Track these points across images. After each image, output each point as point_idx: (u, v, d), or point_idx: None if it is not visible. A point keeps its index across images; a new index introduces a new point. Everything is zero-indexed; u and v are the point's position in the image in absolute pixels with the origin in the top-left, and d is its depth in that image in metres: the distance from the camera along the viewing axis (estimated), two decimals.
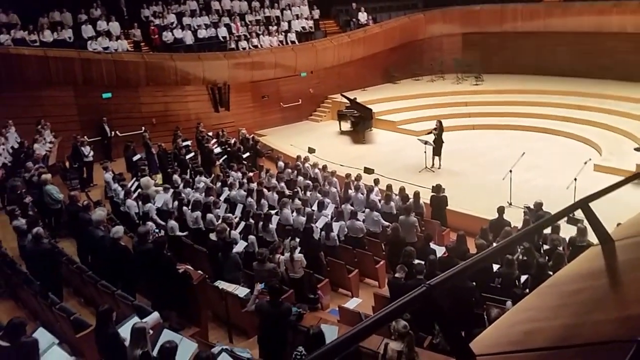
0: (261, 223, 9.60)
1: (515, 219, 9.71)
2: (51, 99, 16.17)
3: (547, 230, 8.58)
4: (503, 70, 22.20)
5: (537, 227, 3.22)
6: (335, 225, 9.84)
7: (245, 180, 12.54)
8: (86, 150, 14.15)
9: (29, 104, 15.64)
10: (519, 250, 8.26)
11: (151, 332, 5.34)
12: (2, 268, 8.04)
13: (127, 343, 5.20)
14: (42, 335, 5.32)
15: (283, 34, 21.36)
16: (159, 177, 13.54)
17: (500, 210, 9.51)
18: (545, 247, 8.47)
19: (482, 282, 7.25)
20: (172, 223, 9.65)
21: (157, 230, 9.34)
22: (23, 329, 4.94)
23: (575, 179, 10.72)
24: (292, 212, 10.38)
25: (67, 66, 16.28)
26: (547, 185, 12.33)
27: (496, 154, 15.12)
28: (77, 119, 16.62)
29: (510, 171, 11.67)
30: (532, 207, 9.76)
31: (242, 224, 9.85)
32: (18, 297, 7.86)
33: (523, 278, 7.38)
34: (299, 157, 14.41)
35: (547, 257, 7.88)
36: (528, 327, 1.30)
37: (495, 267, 7.68)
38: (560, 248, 8.10)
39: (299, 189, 12.23)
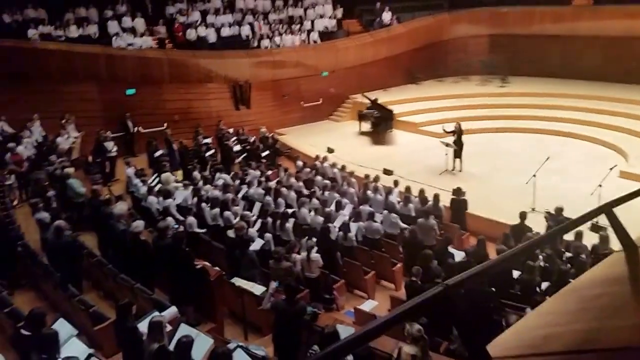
0: (278, 222, 9.60)
1: (538, 224, 9.54)
2: (76, 94, 16.40)
3: (570, 238, 8.44)
4: (529, 73, 21.88)
5: (558, 232, 3.15)
6: (353, 226, 9.79)
7: (263, 179, 12.57)
8: (110, 145, 14.34)
9: (54, 99, 15.88)
10: (540, 257, 8.13)
11: (169, 326, 5.38)
12: (24, 260, 8.19)
13: (145, 337, 5.25)
14: (62, 326, 5.40)
15: (305, 33, 21.37)
16: (179, 174, 13.66)
17: (522, 215, 9.35)
18: (568, 254, 8.32)
19: (502, 288, 7.15)
20: (191, 219, 9.72)
21: (176, 226, 9.41)
22: (43, 319, 5.03)
23: (600, 185, 10.52)
24: (310, 211, 10.36)
25: (91, 62, 16.51)
26: (571, 190, 12.08)
27: (520, 157, 14.89)
28: (101, 114, 16.83)
29: (534, 175, 11.48)
30: (552, 212, 9.59)
31: (259, 222, 9.87)
32: (39, 288, 7.99)
33: (544, 285, 7.26)
34: (317, 156, 14.39)
35: (569, 265, 7.74)
36: (547, 331, 1.29)
37: (516, 273, 7.57)
38: (583, 256, 7.94)
39: (316, 188, 12.22)
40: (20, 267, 8.41)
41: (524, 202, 11.12)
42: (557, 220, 9.11)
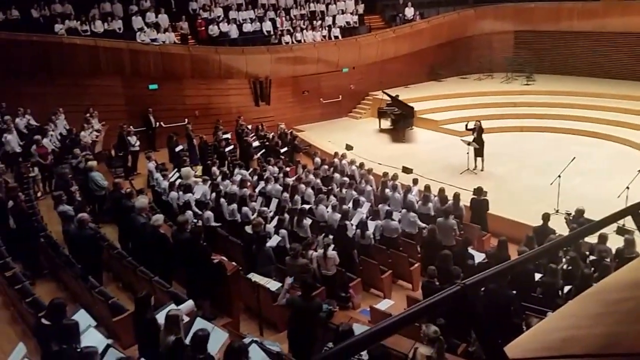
0: (296, 218, 9.59)
1: (562, 227, 9.36)
2: (100, 88, 16.64)
3: (594, 241, 8.26)
4: (556, 70, 21.54)
5: (581, 234, 3.06)
6: (371, 224, 9.73)
7: (281, 175, 12.57)
8: (132, 139, 14.52)
9: (79, 93, 16.17)
10: (563, 259, 7.98)
11: (185, 319, 5.41)
12: (47, 251, 8.33)
13: (161, 330, 5.29)
14: (82, 317, 5.46)
15: (327, 28, 21.31)
16: (199, 169, 13.76)
17: (545, 217, 9.15)
18: (592, 257, 8.14)
19: (523, 291, 7.03)
20: (208, 213, 9.77)
21: (195, 220, 9.48)
22: (63, 310, 5.09)
23: (628, 187, 10.26)
24: (327, 208, 10.33)
25: (116, 56, 16.72)
26: (597, 192, 11.82)
27: (544, 157, 14.64)
28: (124, 108, 17.06)
29: (559, 176, 11.24)
30: (573, 213, 9.40)
31: (276, 218, 9.88)
32: (60, 279, 8.12)
33: (566, 289, 7.11)
34: (336, 153, 14.34)
35: (592, 268, 7.57)
36: (567, 333, 1.26)
37: (538, 276, 7.43)
38: (607, 259, 7.76)
39: (334, 185, 12.18)
40: (42, 257, 8.56)
41: (547, 203, 10.92)
42: (579, 223, 8.93)
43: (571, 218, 9.44)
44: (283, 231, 9.05)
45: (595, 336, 1.17)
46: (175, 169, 12.95)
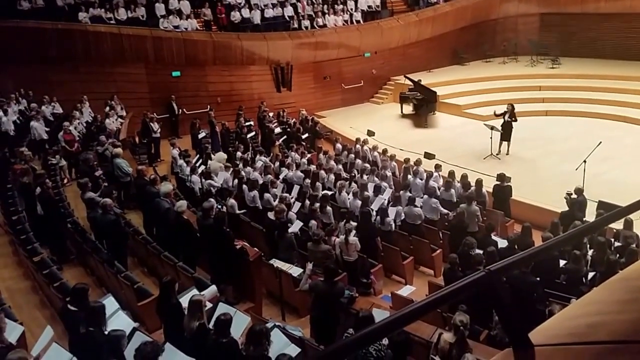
0: (318, 204, 9.61)
1: (588, 212, 9.20)
2: (124, 75, 16.82)
3: (620, 227, 8.12)
4: (582, 53, 21.00)
5: (606, 219, 3.01)
6: (392, 210, 9.70)
7: (305, 161, 12.57)
8: (155, 126, 14.66)
9: (103, 80, 16.37)
10: (588, 246, 7.86)
11: (208, 305, 5.50)
12: (73, 236, 8.52)
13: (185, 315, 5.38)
14: (110, 303, 5.58)
15: (348, 13, 21.09)
16: (216, 156, 13.83)
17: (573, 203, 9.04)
18: (617, 244, 8.00)
19: (547, 278, 6.96)
20: (231, 201, 9.84)
21: (219, 207, 9.55)
22: (85, 294, 5.20)
23: None
24: (349, 195, 10.33)
25: (139, 44, 16.84)
26: (624, 177, 11.58)
27: (570, 142, 14.40)
28: (148, 95, 17.23)
29: (585, 161, 11.01)
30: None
31: (298, 204, 9.91)
32: (87, 264, 8.31)
33: (591, 275, 7.02)
34: (357, 139, 14.28)
35: (618, 255, 7.44)
36: (592, 320, 1.24)
37: (562, 262, 7.35)
38: (634, 245, 7.61)
39: (355, 172, 12.14)
40: (69, 243, 8.76)
41: (573, 189, 10.71)
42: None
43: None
44: (313, 222, 8.98)
45: (621, 322, 1.16)
46: (198, 156, 13.08)
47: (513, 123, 13.92)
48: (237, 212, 9.84)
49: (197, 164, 11.91)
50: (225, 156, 12.68)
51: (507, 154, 14.07)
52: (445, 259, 8.67)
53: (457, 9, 22.20)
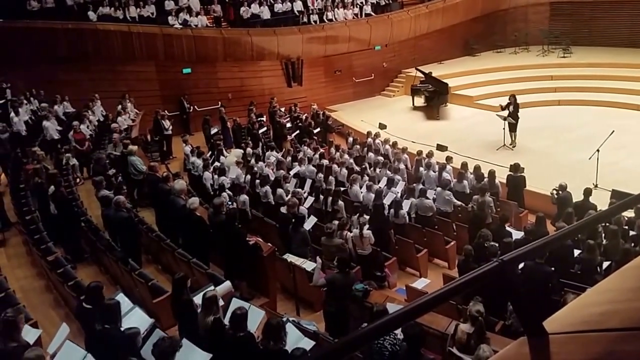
0: (330, 199, 9.60)
1: (601, 202, 9.10)
2: (134, 73, 16.89)
3: (632, 215, 8.05)
4: (594, 42, 20.71)
5: (619, 208, 2.97)
6: (406, 203, 9.67)
7: (317, 156, 12.56)
8: (166, 124, 14.71)
9: (114, 79, 16.46)
10: (602, 235, 7.79)
11: (221, 301, 5.52)
12: (87, 235, 8.59)
13: (199, 311, 5.41)
14: (122, 300, 5.62)
15: (358, 6, 20.99)
16: (233, 152, 13.87)
17: (587, 192, 8.94)
18: (632, 233, 7.91)
19: (561, 268, 6.90)
20: (244, 197, 9.84)
21: (230, 203, 9.57)
22: (100, 292, 5.24)
23: None
24: (361, 188, 10.30)
25: (149, 42, 16.89)
26: (638, 167, 11.43)
27: (583, 131, 14.23)
28: (159, 93, 17.29)
29: (598, 150, 10.90)
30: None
31: (311, 199, 9.91)
32: (101, 262, 8.37)
33: (605, 265, 6.95)
34: (369, 133, 14.22)
35: (633, 244, 7.36)
36: (605, 308, 1.24)
37: (576, 252, 7.28)
38: None
39: (367, 165, 12.11)
40: (83, 242, 8.83)
41: (586, 179, 10.62)
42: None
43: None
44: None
45: (634, 310, 1.16)
46: (210, 152, 13.12)
47: (518, 114, 13.76)
48: (248, 209, 9.82)
49: (210, 160, 11.95)
50: (241, 152, 12.72)
51: (512, 145, 13.93)
52: (460, 251, 8.62)
53: (467, 0, 22.00)
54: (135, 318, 5.36)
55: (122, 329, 4.82)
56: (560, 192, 9.28)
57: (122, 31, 16.62)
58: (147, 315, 5.73)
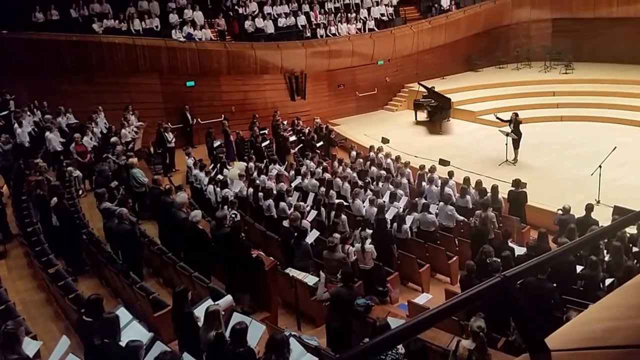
0: (333, 212, 9.59)
1: (603, 218, 9.08)
2: (138, 86, 16.98)
3: (635, 231, 8.03)
4: (595, 58, 20.80)
5: (621, 224, 2.97)
6: (408, 218, 9.65)
7: (320, 170, 12.57)
8: (169, 136, 14.75)
9: (118, 91, 16.55)
10: (605, 251, 7.76)
11: (223, 313, 5.49)
12: (88, 247, 8.57)
13: (200, 323, 5.38)
14: (122, 314, 5.59)
15: (362, 21, 21.15)
16: (236, 164, 13.91)
17: (589, 208, 8.94)
18: (635, 249, 7.88)
19: (564, 284, 6.87)
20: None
21: (234, 215, 9.55)
22: (100, 305, 5.21)
23: None
24: (364, 202, 10.29)
25: (154, 54, 17.00)
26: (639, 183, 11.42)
27: (585, 147, 14.25)
28: (162, 106, 17.36)
29: (600, 167, 10.90)
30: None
31: (313, 212, 9.90)
32: (102, 275, 8.34)
33: (608, 281, 6.91)
34: (371, 147, 14.25)
35: (635, 261, 7.33)
36: (608, 325, 1.22)
37: (579, 268, 7.25)
38: None
39: (370, 179, 12.11)
40: (85, 254, 8.81)
41: (588, 195, 10.62)
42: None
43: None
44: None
45: (638, 327, 1.14)
46: (212, 165, 13.15)
47: (520, 131, 13.77)
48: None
49: (213, 173, 11.97)
50: (244, 165, 12.74)
51: (514, 161, 13.93)
52: (462, 266, 8.59)
53: (469, 16, 22.18)
54: (133, 332, 5.33)
55: (121, 343, 4.79)
56: (563, 214, 9.23)
57: (127, 44, 16.73)
58: (147, 329, 5.70)
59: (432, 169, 11.77)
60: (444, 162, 13.31)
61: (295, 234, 8.20)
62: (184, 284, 6.76)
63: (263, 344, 4.84)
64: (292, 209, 9.46)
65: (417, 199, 10.46)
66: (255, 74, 18.56)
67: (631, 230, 8.35)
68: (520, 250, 7.98)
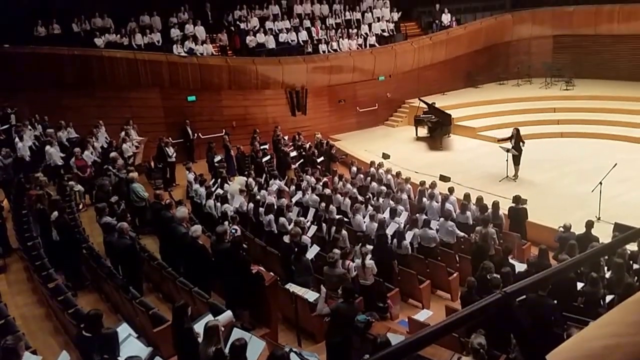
0: (333, 228, 9.58)
1: (603, 235, 9.06)
2: (139, 100, 17.07)
3: (635, 248, 8.01)
4: (596, 75, 20.93)
5: (621, 241, 2.97)
6: (409, 234, 9.64)
7: (320, 185, 12.58)
8: (170, 151, 14.79)
9: (119, 105, 16.62)
10: (605, 268, 7.73)
11: (222, 329, 5.46)
12: (88, 262, 8.54)
13: (200, 339, 5.36)
14: (124, 330, 5.57)
15: (363, 37, 21.31)
16: (236, 179, 13.92)
17: (589, 224, 8.92)
18: (636, 266, 7.86)
19: (565, 301, 6.84)
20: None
21: (234, 230, 9.54)
22: (99, 320, 5.19)
23: None
24: (364, 218, 10.29)
25: (155, 69, 17.11)
26: None
27: (585, 164, 14.27)
28: (163, 120, 17.43)
29: (601, 183, 10.91)
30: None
31: (314, 228, 9.89)
32: (102, 290, 8.30)
33: (608, 298, 6.88)
34: (372, 162, 14.28)
35: (636, 277, 7.30)
36: (607, 342, 1.23)
37: (580, 285, 7.22)
38: None
39: (370, 195, 12.11)
40: (85, 269, 8.78)
41: (589, 211, 10.61)
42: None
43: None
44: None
45: (637, 344, 1.15)
46: (213, 180, 13.16)
47: (522, 147, 13.81)
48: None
49: (213, 188, 11.98)
50: (244, 180, 12.76)
51: (514, 177, 13.94)
52: (463, 283, 8.56)
53: (470, 32, 22.35)
54: (131, 347, 5.30)
55: (120, 359, 4.76)
56: (564, 231, 9.21)
57: (128, 58, 16.85)
58: (145, 344, 5.67)
59: (433, 185, 11.78)
60: (444, 178, 13.32)
61: (296, 249, 8.19)
62: (183, 299, 6.73)
63: None
64: (292, 225, 9.45)
65: (417, 214, 10.45)
66: (256, 89, 18.66)
67: (632, 247, 8.33)
68: (520, 267, 7.96)
